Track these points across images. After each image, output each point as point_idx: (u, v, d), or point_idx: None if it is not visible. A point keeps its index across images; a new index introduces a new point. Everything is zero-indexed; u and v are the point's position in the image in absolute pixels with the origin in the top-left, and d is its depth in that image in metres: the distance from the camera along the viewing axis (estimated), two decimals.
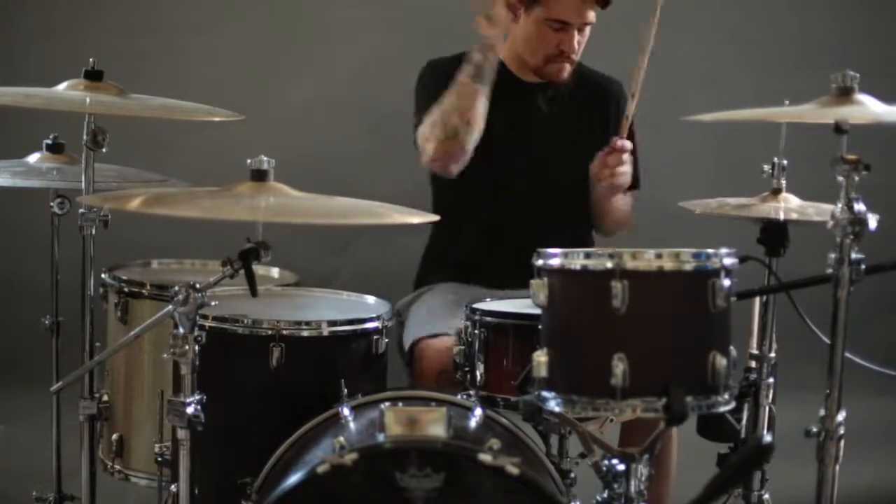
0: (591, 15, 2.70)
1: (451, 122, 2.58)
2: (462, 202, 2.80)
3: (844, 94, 1.87)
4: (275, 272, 2.87)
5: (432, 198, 2.89)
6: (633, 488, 1.86)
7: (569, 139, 2.83)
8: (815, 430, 1.84)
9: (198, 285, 1.89)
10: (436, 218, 2.06)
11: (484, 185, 2.74)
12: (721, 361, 1.77)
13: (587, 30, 2.74)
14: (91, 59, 2.36)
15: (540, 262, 1.86)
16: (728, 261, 1.81)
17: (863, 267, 1.80)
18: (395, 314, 2.66)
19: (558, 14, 2.68)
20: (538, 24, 2.70)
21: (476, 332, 2.20)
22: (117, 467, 2.65)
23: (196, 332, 1.90)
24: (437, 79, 2.73)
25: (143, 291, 2.61)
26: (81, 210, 2.45)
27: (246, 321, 2.18)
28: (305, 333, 2.20)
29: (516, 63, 2.83)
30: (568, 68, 2.76)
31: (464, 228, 2.83)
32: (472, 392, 2.19)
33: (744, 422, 2.33)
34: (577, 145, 2.78)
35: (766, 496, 2.45)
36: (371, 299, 2.50)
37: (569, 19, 2.68)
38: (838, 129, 1.84)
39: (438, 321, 2.60)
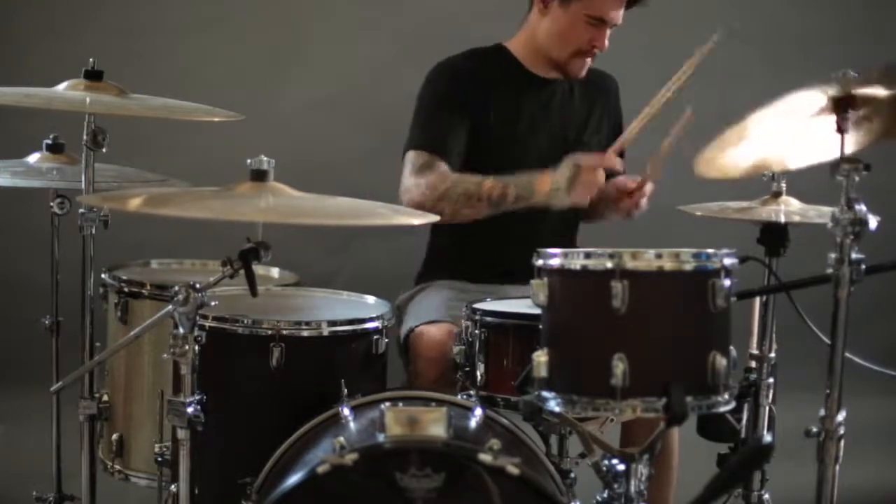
0: (622, 14, 2.72)
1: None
2: None
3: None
4: (275, 272, 2.88)
5: None
6: (633, 488, 1.85)
7: (572, 135, 2.84)
8: (815, 430, 1.84)
9: (198, 285, 1.89)
10: (436, 218, 2.06)
11: None
12: (721, 361, 1.77)
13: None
14: (91, 59, 2.36)
15: (540, 262, 1.86)
16: (728, 261, 1.81)
17: (863, 267, 1.80)
18: (395, 310, 2.65)
19: (599, 10, 2.68)
20: (575, 18, 2.69)
21: (476, 332, 2.20)
22: (117, 467, 2.65)
23: (196, 332, 1.90)
24: (446, 79, 2.76)
25: (143, 291, 2.61)
26: (81, 210, 2.45)
27: (246, 321, 2.18)
28: (305, 333, 2.20)
29: (530, 57, 2.82)
30: (589, 64, 2.77)
31: (465, 226, 2.82)
32: (472, 392, 2.19)
33: (744, 422, 2.33)
34: (580, 141, 2.79)
35: (766, 496, 2.45)
36: (371, 299, 2.50)
37: (608, 17, 2.69)
38: (839, 129, 1.84)
39: (436, 311, 2.60)
